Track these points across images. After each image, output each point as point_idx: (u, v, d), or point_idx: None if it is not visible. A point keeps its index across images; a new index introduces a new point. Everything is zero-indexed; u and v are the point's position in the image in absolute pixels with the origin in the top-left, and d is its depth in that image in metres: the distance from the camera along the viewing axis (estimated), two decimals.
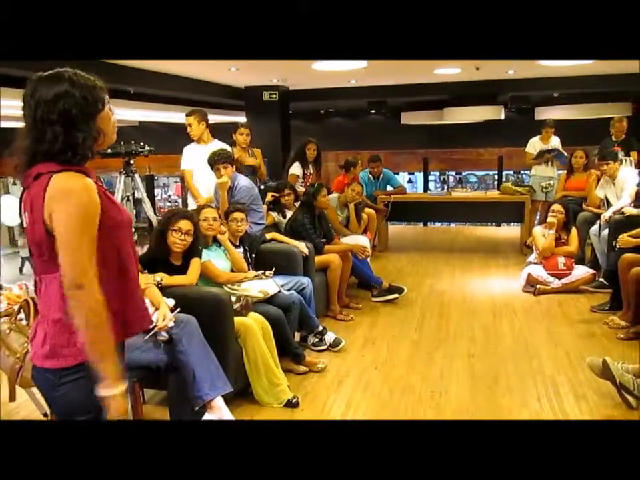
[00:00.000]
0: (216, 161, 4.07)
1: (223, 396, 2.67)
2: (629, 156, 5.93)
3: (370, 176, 6.78)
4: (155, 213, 5.02)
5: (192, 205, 4.58)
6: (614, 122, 6.38)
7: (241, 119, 8.93)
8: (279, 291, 3.55)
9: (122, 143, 4.39)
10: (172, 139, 10.38)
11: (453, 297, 5.03)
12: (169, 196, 12.18)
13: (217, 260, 3.45)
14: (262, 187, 5.31)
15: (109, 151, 4.36)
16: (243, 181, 4.21)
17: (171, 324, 2.61)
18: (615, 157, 5.24)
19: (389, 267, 6.10)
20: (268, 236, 4.25)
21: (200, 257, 3.18)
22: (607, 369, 2.91)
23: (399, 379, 3.37)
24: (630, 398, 2.88)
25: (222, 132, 4.88)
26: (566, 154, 6.38)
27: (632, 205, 4.87)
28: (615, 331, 4.02)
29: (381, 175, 6.83)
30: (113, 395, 1.48)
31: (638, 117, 10.30)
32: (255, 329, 3.06)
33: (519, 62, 6.61)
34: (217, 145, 4.55)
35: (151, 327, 2.60)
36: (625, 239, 4.28)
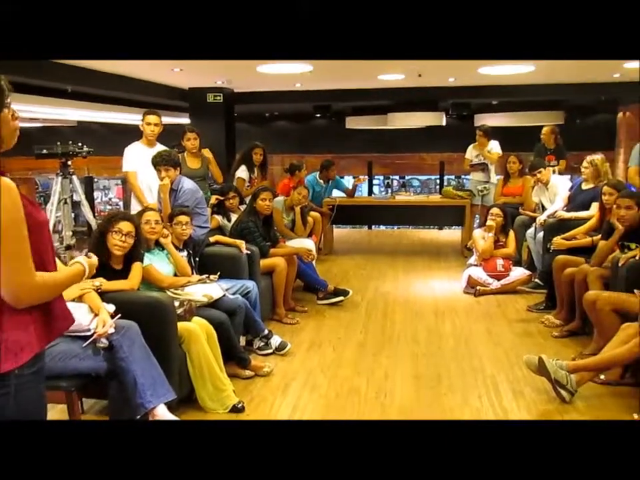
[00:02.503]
0: (158, 162, 3.99)
1: (166, 403, 2.61)
2: (558, 164, 6.22)
3: (319, 180, 6.82)
4: (94, 216, 4.86)
5: (136, 208, 4.47)
6: (546, 130, 6.67)
7: (185, 120, 8.79)
8: (224, 295, 3.50)
9: (59, 143, 4.23)
10: (113, 140, 10.10)
11: (397, 298, 5.11)
12: (110, 199, 11.84)
13: (159, 264, 3.37)
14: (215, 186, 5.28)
15: (45, 151, 4.21)
16: (187, 183, 4.15)
17: (111, 330, 2.53)
18: (545, 165, 5.49)
19: (334, 270, 6.14)
20: (212, 239, 4.20)
21: (142, 261, 3.10)
22: (543, 366, 3.03)
23: (344, 380, 3.39)
24: (564, 393, 3.01)
25: (165, 133, 4.78)
26: (490, 166, 6.68)
27: (564, 209, 5.09)
28: (550, 329, 4.18)
29: (331, 180, 6.91)
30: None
31: (569, 126, 10.81)
32: (199, 334, 3.00)
33: (459, 69, 6.81)
34: (160, 148, 4.47)
35: (89, 333, 2.53)
36: (558, 241, 4.47)
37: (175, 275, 3.50)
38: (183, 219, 3.63)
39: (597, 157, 4.88)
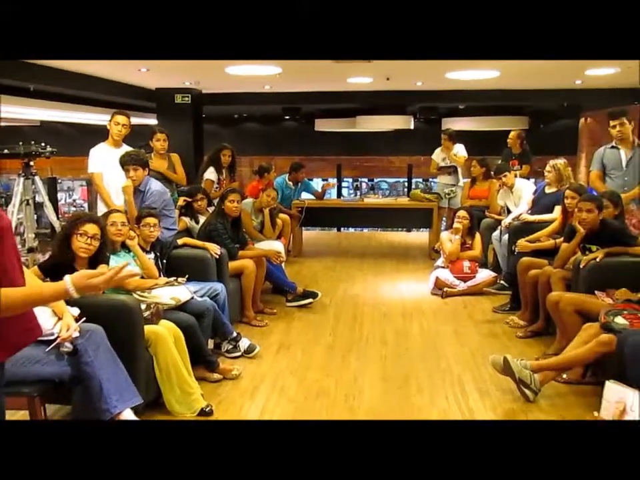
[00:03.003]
0: (126, 162, 3.94)
1: (132, 408, 2.57)
2: (521, 169, 6.36)
3: (289, 182, 6.82)
4: (57, 218, 4.76)
5: (102, 210, 4.40)
6: (513, 135, 6.81)
7: (151, 121, 8.69)
8: (192, 298, 3.47)
9: (21, 143, 4.13)
10: (78, 140, 9.92)
11: (365, 300, 5.14)
12: (74, 200, 11.61)
13: None
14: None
15: (6, 151, 4.11)
16: (155, 185, 4.10)
17: (76, 334, 2.48)
18: (509, 169, 5.61)
19: (303, 272, 6.14)
20: (180, 241, 4.15)
21: (107, 263, 3.05)
22: (508, 366, 3.09)
23: (313, 383, 3.39)
24: (528, 392, 3.07)
25: (131, 134, 4.72)
26: (458, 169, 6.81)
27: (528, 212, 5.20)
28: (515, 329, 4.27)
29: (300, 182, 6.93)
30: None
31: (533, 131, 11.06)
32: (166, 337, 2.97)
33: (427, 74, 6.91)
34: (127, 149, 4.41)
35: (53, 337, 2.48)
36: (522, 243, 4.56)
37: (142, 277, 3.45)
38: (151, 220, 3.59)
39: (560, 162, 5.01)
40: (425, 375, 3.51)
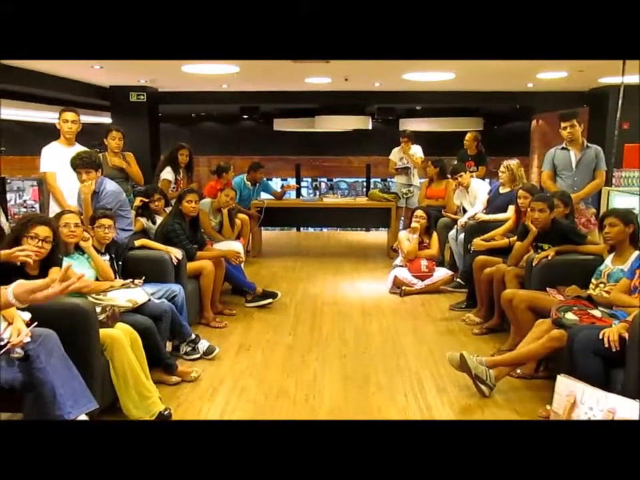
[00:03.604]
0: (78, 165, 3.83)
1: (88, 413, 2.51)
2: (478, 170, 6.51)
3: (247, 182, 6.78)
4: (7, 220, 4.60)
5: (54, 211, 4.27)
6: (469, 137, 6.96)
7: (106, 119, 8.50)
8: (149, 300, 3.41)
9: None
10: (28, 139, 9.61)
11: (325, 300, 5.16)
12: (25, 201, 11.22)
13: (79, 268, 3.23)
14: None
15: None
16: (110, 185, 4.01)
17: (27, 339, 2.40)
18: (465, 169, 5.72)
19: (262, 272, 6.12)
20: (137, 242, 4.07)
21: (60, 266, 2.96)
22: (464, 363, 3.15)
23: (273, 383, 3.39)
24: (483, 387, 3.15)
25: (85, 133, 4.60)
26: (412, 170, 6.91)
27: (483, 211, 5.32)
28: (471, 326, 4.36)
29: (258, 182, 6.90)
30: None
31: (488, 132, 11.31)
32: (122, 341, 2.91)
33: (384, 75, 6.98)
34: (80, 148, 4.30)
35: (3, 343, 2.39)
36: (478, 242, 4.67)
37: (97, 279, 3.37)
38: (106, 222, 3.50)
39: (513, 162, 5.14)
40: (384, 373, 3.55)
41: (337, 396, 3.24)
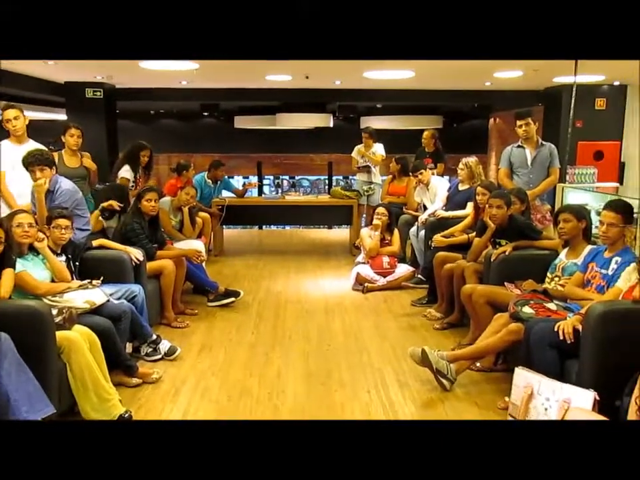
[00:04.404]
0: (31, 163, 3.71)
1: (44, 418, 2.44)
2: (436, 167, 6.61)
3: (208, 180, 6.71)
4: None
5: (5, 211, 4.12)
6: (427, 134, 7.05)
7: (61, 116, 8.28)
8: (108, 301, 3.34)
9: None
10: None
11: (288, 298, 5.16)
12: None
13: (34, 270, 3.15)
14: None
15: None
16: (65, 183, 3.90)
17: None
18: (425, 167, 5.80)
19: (225, 271, 6.07)
20: (95, 242, 3.97)
21: (13, 267, 2.88)
22: (425, 357, 3.20)
23: (236, 382, 3.37)
24: (444, 381, 3.20)
25: (38, 129, 4.47)
26: (373, 168, 6.96)
27: (443, 208, 5.40)
28: (432, 322, 4.43)
29: (219, 180, 6.84)
30: None
31: (447, 130, 11.50)
32: (80, 343, 2.84)
33: (345, 73, 7.01)
34: (33, 145, 4.16)
35: None
36: (438, 239, 4.74)
37: (53, 281, 3.28)
38: (63, 222, 3.41)
39: (471, 160, 5.24)
40: (347, 369, 3.57)
41: (300, 393, 3.24)
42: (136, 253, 3.92)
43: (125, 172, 5.41)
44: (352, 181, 10.59)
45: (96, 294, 3.30)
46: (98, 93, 7.73)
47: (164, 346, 3.68)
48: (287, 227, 9.58)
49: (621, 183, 7.77)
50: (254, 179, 12.33)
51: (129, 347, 3.58)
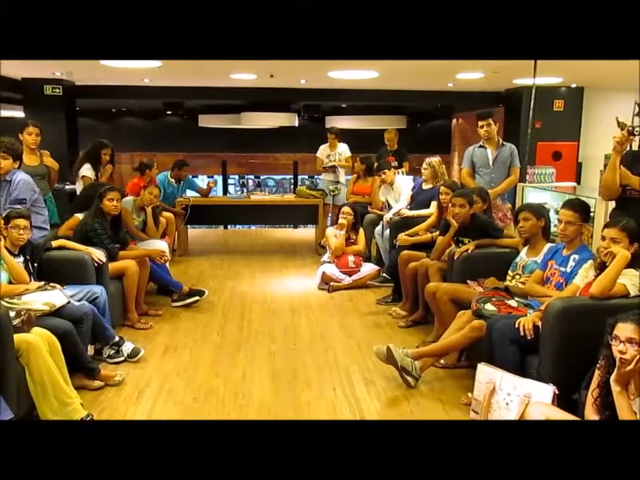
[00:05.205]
0: None
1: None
2: (402, 166, 6.68)
3: (171, 179, 6.63)
4: None
5: None
6: (388, 134, 7.12)
7: (18, 113, 8.05)
8: (68, 302, 3.27)
9: None
10: None
11: (254, 297, 5.13)
12: None
13: None
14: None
15: None
16: (23, 175, 3.80)
17: None
18: (389, 166, 5.85)
19: (189, 272, 6.00)
20: (55, 243, 3.88)
21: None
22: (391, 355, 3.23)
23: (202, 383, 3.33)
24: (409, 379, 3.24)
25: None
26: (339, 169, 7.00)
27: (408, 207, 5.46)
28: (397, 320, 4.47)
29: (183, 179, 6.76)
30: None
31: (411, 130, 11.63)
32: (39, 346, 2.77)
33: (310, 72, 7.01)
34: None
35: None
36: (403, 237, 4.79)
37: (10, 282, 3.19)
38: (21, 222, 3.31)
39: (435, 159, 5.31)
40: (313, 368, 3.58)
41: (266, 393, 3.23)
42: (98, 254, 3.84)
43: (86, 170, 5.29)
44: (317, 180, 10.60)
45: (56, 296, 3.22)
46: (57, 90, 7.54)
47: (127, 348, 3.62)
48: (253, 227, 9.53)
49: (578, 183, 8.00)
50: (219, 178, 12.22)
51: (90, 349, 3.52)
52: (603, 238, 2.75)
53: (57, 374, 2.80)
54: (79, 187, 5.31)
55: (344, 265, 5.49)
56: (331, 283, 5.36)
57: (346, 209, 5.73)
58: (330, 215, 7.17)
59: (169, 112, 12.09)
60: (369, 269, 5.53)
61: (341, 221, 5.63)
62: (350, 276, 5.44)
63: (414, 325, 4.35)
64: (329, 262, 5.63)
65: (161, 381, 3.36)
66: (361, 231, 5.77)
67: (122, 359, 3.60)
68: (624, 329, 2.12)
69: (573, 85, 8.35)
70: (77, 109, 8.28)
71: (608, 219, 3.30)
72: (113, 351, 3.60)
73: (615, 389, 2.13)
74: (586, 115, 8.61)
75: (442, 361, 3.51)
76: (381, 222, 5.66)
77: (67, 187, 6.38)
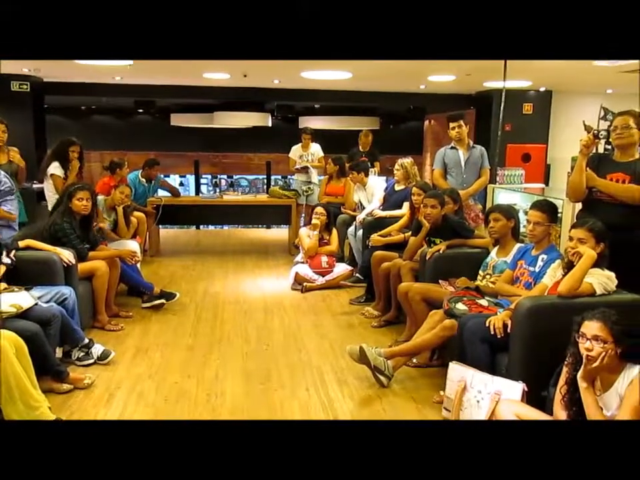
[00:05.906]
0: None
1: None
2: (374, 166, 6.72)
3: (142, 179, 6.55)
4: None
5: None
6: (361, 135, 7.15)
7: None
8: (36, 304, 3.20)
9: None
10: None
11: (226, 298, 5.10)
12: None
13: None
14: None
15: None
16: None
17: None
18: (362, 167, 5.87)
19: (161, 272, 5.94)
20: (22, 243, 3.79)
21: None
22: (364, 355, 3.25)
23: (173, 385, 3.30)
24: (382, 378, 3.26)
25: None
26: (312, 169, 7.03)
27: (380, 208, 5.50)
28: (370, 320, 4.49)
29: (153, 179, 6.69)
30: None
31: (384, 131, 11.70)
32: (5, 348, 2.70)
33: (283, 72, 7.01)
34: None
35: None
36: (375, 238, 4.82)
37: None
38: None
39: (407, 161, 5.36)
40: (286, 368, 3.57)
41: (239, 394, 3.21)
42: (67, 254, 3.76)
43: (55, 169, 5.19)
44: (290, 180, 10.59)
45: (23, 297, 3.16)
46: (24, 86, 7.38)
47: (97, 350, 3.56)
48: (225, 227, 9.47)
49: (547, 184, 8.16)
50: (191, 178, 12.10)
51: (59, 352, 3.45)
52: (570, 238, 2.81)
53: (24, 377, 2.73)
54: (47, 186, 5.21)
55: (317, 265, 5.50)
56: (304, 284, 5.36)
57: (319, 209, 5.74)
58: (303, 215, 7.17)
59: (141, 110, 11.93)
60: (341, 269, 5.54)
61: (314, 221, 5.64)
62: (323, 276, 5.45)
63: (386, 325, 4.38)
64: (302, 262, 5.63)
65: (131, 383, 3.31)
66: (334, 231, 5.78)
67: (92, 361, 3.54)
68: (590, 327, 2.17)
69: (542, 89, 8.52)
70: (45, 106, 8.11)
71: (575, 220, 3.37)
72: (82, 353, 3.54)
73: (582, 385, 2.18)
74: (554, 118, 8.79)
75: (414, 360, 3.54)
76: (354, 222, 5.68)
77: (34, 185, 6.26)
